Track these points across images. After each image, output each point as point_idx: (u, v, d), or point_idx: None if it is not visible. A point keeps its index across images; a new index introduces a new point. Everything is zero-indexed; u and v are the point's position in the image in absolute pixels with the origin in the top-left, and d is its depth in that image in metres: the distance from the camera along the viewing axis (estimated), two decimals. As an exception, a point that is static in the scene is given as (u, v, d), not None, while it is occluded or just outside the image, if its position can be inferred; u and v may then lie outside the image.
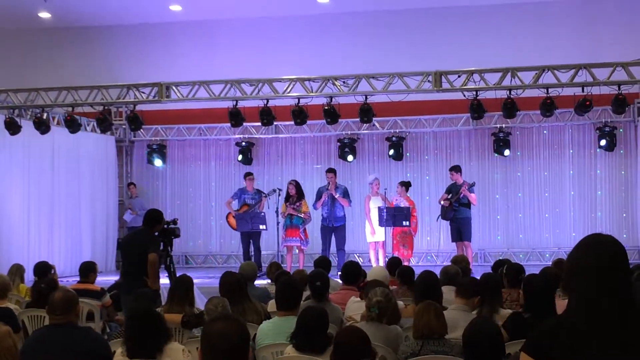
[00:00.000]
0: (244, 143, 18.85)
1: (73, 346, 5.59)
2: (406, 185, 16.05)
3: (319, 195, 16.04)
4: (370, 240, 16.04)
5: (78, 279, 10.55)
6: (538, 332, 3.07)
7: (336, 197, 15.77)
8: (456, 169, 16.00)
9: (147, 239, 9.82)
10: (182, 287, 7.80)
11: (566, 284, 3.11)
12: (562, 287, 3.14)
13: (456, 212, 15.61)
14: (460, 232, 15.62)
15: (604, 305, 2.90)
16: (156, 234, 10.11)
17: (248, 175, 16.80)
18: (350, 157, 18.23)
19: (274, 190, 16.33)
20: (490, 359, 4.78)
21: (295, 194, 15.95)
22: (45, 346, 5.57)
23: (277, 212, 16.01)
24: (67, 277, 15.32)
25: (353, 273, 8.58)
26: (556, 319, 3.12)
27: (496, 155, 17.89)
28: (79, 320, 6.18)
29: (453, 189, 15.77)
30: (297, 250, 16.09)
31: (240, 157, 18.82)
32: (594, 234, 3.13)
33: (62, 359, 5.39)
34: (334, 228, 15.96)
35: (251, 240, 16.33)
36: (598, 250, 3.00)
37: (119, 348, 5.62)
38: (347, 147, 18.22)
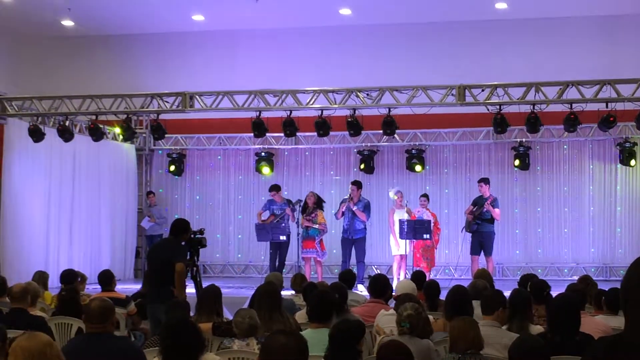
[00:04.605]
0: (263, 153, 18.87)
1: (110, 355, 5.60)
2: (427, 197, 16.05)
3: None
4: (395, 254, 15.93)
5: (97, 286, 10.57)
6: (595, 349, 3.05)
7: (354, 209, 15.73)
8: (485, 181, 15.95)
9: (173, 248, 9.79)
10: (210, 298, 7.80)
11: (623, 303, 3.09)
12: (620, 305, 3.11)
13: (479, 225, 15.55)
14: (482, 245, 15.52)
15: None
16: (183, 243, 10.11)
17: (272, 189, 16.36)
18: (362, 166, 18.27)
19: (299, 201, 16.14)
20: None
21: (313, 205, 15.89)
22: (83, 355, 5.58)
23: (297, 223, 15.98)
24: (87, 285, 15.30)
25: (383, 287, 8.54)
26: (614, 335, 3.11)
27: (516, 169, 17.84)
28: (114, 329, 6.19)
29: (479, 202, 15.71)
30: (314, 262, 16.06)
31: (266, 170, 18.77)
32: None
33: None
34: (353, 240, 15.89)
35: (279, 252, 16.15)
36: None
37: (155, 358, 5.64)
38: (365, 159, 18.21)
